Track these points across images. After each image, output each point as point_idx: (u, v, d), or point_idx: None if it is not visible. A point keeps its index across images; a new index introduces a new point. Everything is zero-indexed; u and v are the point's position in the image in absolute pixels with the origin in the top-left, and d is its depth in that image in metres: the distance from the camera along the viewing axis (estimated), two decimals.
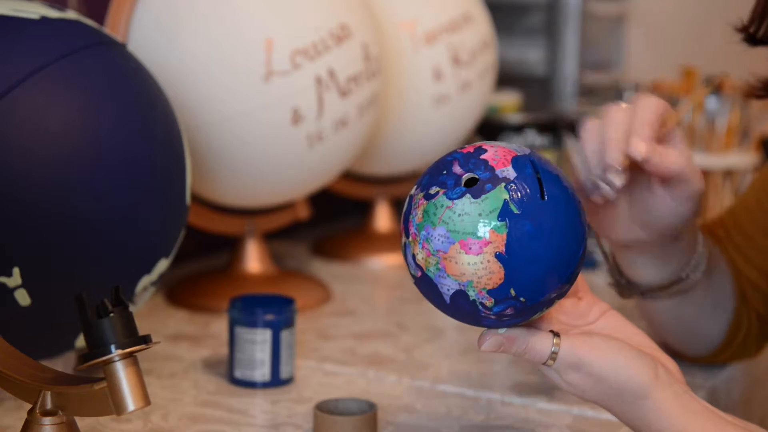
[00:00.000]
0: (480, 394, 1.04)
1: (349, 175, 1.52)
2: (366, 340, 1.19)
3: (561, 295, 0.77)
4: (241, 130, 1.18)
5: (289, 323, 1.05)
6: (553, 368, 0.78)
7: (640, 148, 0.82)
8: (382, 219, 1.58)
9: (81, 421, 0.81)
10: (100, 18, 1.17)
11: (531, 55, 1.94)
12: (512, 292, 0.75)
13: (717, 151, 1.72)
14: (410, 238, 0.77)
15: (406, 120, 1.44)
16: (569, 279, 0.76)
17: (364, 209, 1.60)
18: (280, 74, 1.16)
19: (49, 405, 0.77)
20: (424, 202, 0.76)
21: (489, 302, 0.75)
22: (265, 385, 1.04)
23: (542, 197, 0.75)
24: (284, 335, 1.05)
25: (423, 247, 0.76)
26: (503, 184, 0.75)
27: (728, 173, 1.72)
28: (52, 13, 0.94)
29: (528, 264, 0.74)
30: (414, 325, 1.24)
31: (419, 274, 0.77)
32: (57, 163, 0.88)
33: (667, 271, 0.98)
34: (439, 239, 0.75)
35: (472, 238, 0.74)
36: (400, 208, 1.72)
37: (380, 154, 1.47)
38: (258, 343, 1.04)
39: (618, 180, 0.82)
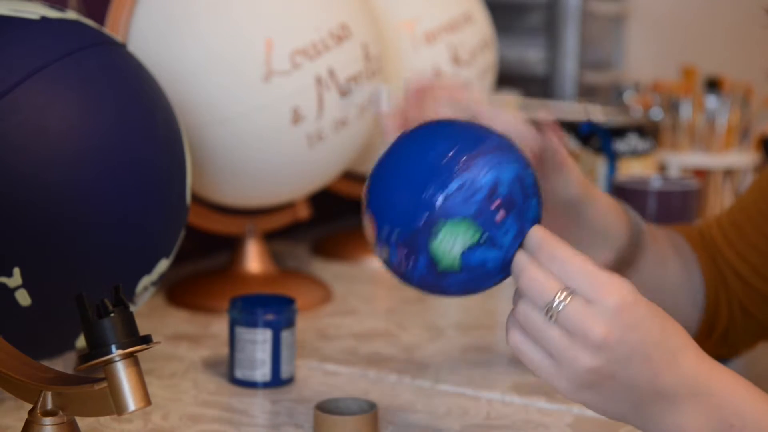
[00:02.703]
0: (480, 394, 1.04)
1: (349, 175, 1.52)
2: (366, 340, 1.19)
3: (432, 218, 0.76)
4: (241, 130, 1.18)
5: (289, 323, 1.05)
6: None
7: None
8: None
9: (81, 421, 0.81)
10: (100, 18, 1.17)
11: (531, 55, 1.94)
12: (387, 231, 0.78)
13: (717, 150, 1.72)
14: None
15: None
16: (431, 200, 0.76)
17: None
18: (280, 74, 1.16)
19: (49, 405, 0.77)
20: None
21: (385, 253, 0.78)
22: (266, 385, 1.04)
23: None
24: (285, 335, 1.05)
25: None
26: None
27: (728, 173, 1.72)
28: (52, 14, 0.94)
29: (382, 195, 0.79)
30: (414, 325, 1.24)
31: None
32: (57, 164, 0.88)
33: (597, 252, 0.97)
34: None
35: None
36: None
37: (380, 154, 1.47)
38: (258, 343, 1.04)
39: None
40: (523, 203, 0.77)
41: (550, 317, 0.74)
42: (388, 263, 0.80)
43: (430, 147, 0.78)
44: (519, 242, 0.77)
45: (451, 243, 0.76)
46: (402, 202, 0.77)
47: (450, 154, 0.77)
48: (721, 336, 1.08)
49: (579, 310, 0.74)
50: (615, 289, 0.74)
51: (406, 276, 0.79)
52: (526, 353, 0.76)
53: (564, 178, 0.93)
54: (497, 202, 0.76)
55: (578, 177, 0.94)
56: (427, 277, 0.78)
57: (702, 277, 1.07)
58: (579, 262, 0.75)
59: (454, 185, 0.76)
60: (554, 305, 0.74)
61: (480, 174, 0.76)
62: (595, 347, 0.73)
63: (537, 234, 0.77)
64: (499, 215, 0.76)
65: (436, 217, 0.76)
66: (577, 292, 0.74)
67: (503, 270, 0.78)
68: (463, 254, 0.76)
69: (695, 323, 1.07)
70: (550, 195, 0.91)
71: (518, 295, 0.76)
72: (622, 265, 0.99)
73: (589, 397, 0.76)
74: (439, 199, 0.76)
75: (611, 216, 0.98)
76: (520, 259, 0.77)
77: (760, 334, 1.10)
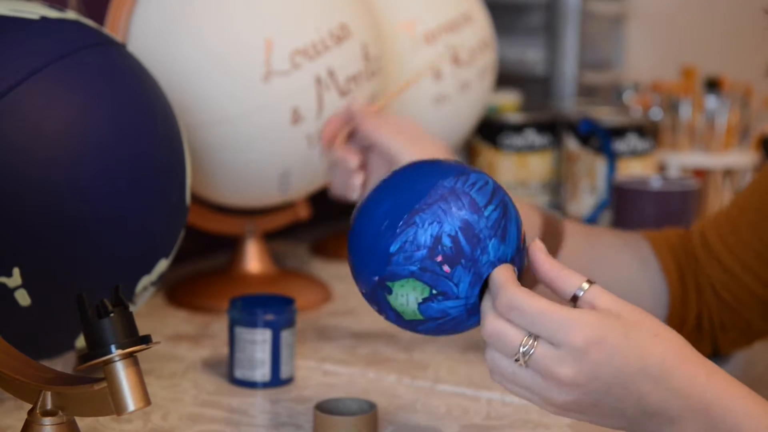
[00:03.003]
0: (480, 394, 1.04)
1: None
2: (366, 340, 1.19)
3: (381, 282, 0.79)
4: (241, 130, 1.18)
5: (289, 323, 1.05)
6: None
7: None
8: None
9: (81, 422, 0.81)
10: (100, 18, 1.17)
11: (531, 55, 1.94)
12: (359, 285, 0.81)
13: (717, 150, 1.72)
14: None
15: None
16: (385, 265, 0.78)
17: None
18: (279, 74, 1.16)
19: (49, 405, 0.77)
20: None
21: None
22: (265, 385, 1.04)
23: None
24: (284, 335, 1.05)
25: None
26: None
27: (728, 172, 1.72)
28: (52, 14, 0.94)
29: (351, 249, 0.81)
30: None
31: None
32: (57, 163, 0.88)
33: None
34: None
35: None
36: None
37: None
38: (258, 343, 1.04)
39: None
40: (472, 251, 0.77)
41: (523, 361, 0.75)
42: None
43: (380, 203, 0.80)
44: (478, 288, 0.78)
45: (405, 299, 0.78)
46: (361, 261, 0.80)
47: (394, 213, 0.78)
48: (695, 327, 1.09)
49: (546, 355, 0.74)
50: (578, 330, 0.74)
51: (390, 321, 0.82)
52: (509, 389, 0.77)
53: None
54: (439, 257, 0.77)
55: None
56: (401, 324, 0.81)
57: (664, 275, 1.09)
58: (537, 307, 0.75)
59: (395, 246, 0.78)
60: (522, 353, 0.75)
61: (420, 231, 0.77)
62: (567, 387, 0.75)
63: (495, 281, 0.77)
64: (446, 269, 0.77)
65: (385, 278, 0.78)
66: (542, 336, 0.75)
67: (471, 315, 0.79)
68: (420, 306, 0.78)
69: (662, 317, 1.09)
70: None
71: (486, 344, 0.77)
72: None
73: (578, 417, 0.77)
74: (385, 260, 0.78)
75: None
76: (483, 309, 0.78)
77: (751, 333, 1.10)
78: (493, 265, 0.78)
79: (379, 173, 1.06)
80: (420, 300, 0.78)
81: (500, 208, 0.79)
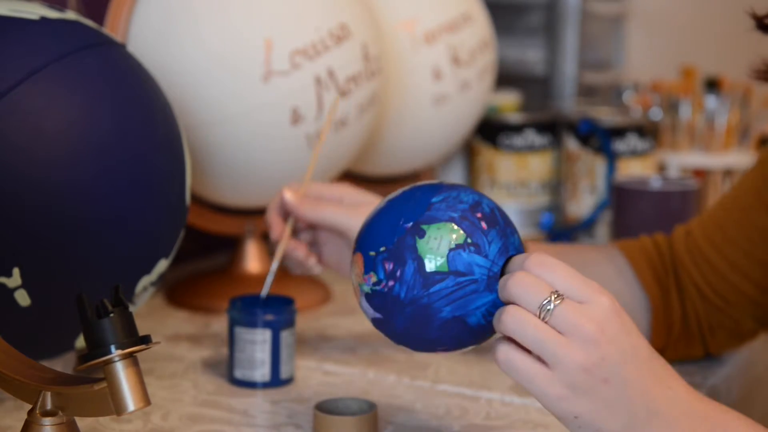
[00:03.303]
0: (480, 394, 1.04)
1: (348, 175, 1.52)
2: (366, 340, 1.19)
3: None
4: (241, 130, 1.18)
5: (289, 323, 1.05)
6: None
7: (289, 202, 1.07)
8: None
9: (81, 422, 0.81)
10: (100, 18, 1.17)
11: (530, 55, 1.94)
12: (374, 253, 0.81)
13: (716, 150, 1.72)
14: None
15: (405, 120, 1.44)
16: None
17: None
18: (279, 74, 1.16)
19: (49, 405, 0.77)
20: None
21: (373, 279, 0.81)
22: (265, 385, 1.04)
23: None
24: (284, 335, 1.05)
25: None
26: None
27: (728, 173, 1.72)
28: (52, 14, 0.94)
29: (368, 232, 0.82)
30: None
31: None
32: (56, 164, 0.88)
33: None
34: None
35: None
36: None
37: (380, 154, 1.47)
38: (258, 343, 1.04)
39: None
40: (505, 226, 0.80)
41: (543, 318, 0.74)
42: (373, 295, 0.80)
43: (411, 194, 0.82)
44: (503, 260, 0.79)
45: (438, 242, 0.78)
46: (387, 226, 0.80)
47: (432, 186, 0.82)
48: (682, 332, 1.09)
49: (571, 309, 0.74)
50: (606, 292, 0.75)
51: (390, 304, 0.79)
52: (515, 362, 0.75)
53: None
54: (479, 214, 0.79)
55: None
56: (414, 287, 0.78)
57: (640, 282, 1.09)
58: (568, 270, 0.76)
59: (438, 197, 0.80)
60: (546, 305, 0.74)
61: (463, 193, 0.80)
62: (588, 342, 0.73)
63: (523, 255, 0.78)
64: (483, 225, 0.79)
65: (422, 221, 0.79)
66: (568, 296, 0.75)
67: (490, 286, 0.78)
68: (450, 253, 0.77)
69: (646, 325, 1.09)
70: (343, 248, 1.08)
71: (507, 302, 0.76)
72: None
73: (583, 406, 0.74)
74: (425, 209, 0.79)
75: None
76: (510, 267, 0.78)
77: (740, 334, 1.10)
78: (518, 250, 0.80)
79: (335, 243, 1.10)
80: (453, 246, 0.78)
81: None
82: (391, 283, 0.78)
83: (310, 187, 1.08)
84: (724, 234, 1.07)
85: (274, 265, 1.05)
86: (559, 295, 0.74)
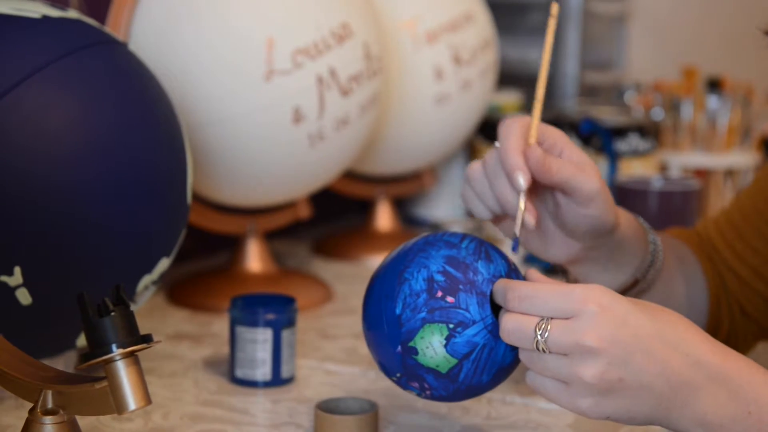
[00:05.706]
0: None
1: (350, 174, 1.52)
2: None
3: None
4: (242, 130, 1.18)
5: (290, 322, 1.05)
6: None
7: (519, 182, 0.87)
8: (383, 218, 1.58)
9: (82, 420, 0.81)
10: (102, 17, 1.17)
11: (532, 55, 1.94)
12: (389, 375, 0.83)
13: (718, 150, 1.72)
14: None
15: (407, 119, 1.44)
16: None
17: (365, 208, 1.60)
18: (281, 73, 1.17)
19: (50, 404, 0.77)
20: None
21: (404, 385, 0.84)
22: (266, 385, 1.04)
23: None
24: (285, 334, 1.05)
25: None
26: None
27: (729, 173, 1.72)
28: (54, 13, 0.94)
29: (367, 338, 0.85)
30: None
31: None
32: (58, 163, 0.88)
33: (621, 276, 0.98)
34: None
35: None
36: (401, 207, 1.72)
37: (381, 153, 1.47)
38: (259, 342, 1.04)
39: (527, 218, 0.88)
40: (465, 276, 0.80)
41: (542, 350, 0.76)
42: (423, 397, 0.84)
43: (371, 292, 0.83)
44: (488, 306, 0.80)
45: (431, 349, 0.80)
46: (383, 350, 0.82)
47: (387, 286, 0.82)
48: (724, 341, 1.08)
49: (562, 331, 0.75)
50: (588, 298, 0.75)
51: (440, 399, 0.83)
52: (541, 387, 0.78)
53: (591, 210, 0.92)
54: (439, 293, 0.80)
55: (610, 204, 0.93)
56: (444, 388, 0.81)
57: (705, 284, 1.07)
58: (544, 288, 0.77)
59: (398, 306, 0.80)
60: (540, 339, 0.76)
61: (412, 282, 0.80)
62: (590, 354, 0.75)
63: (498, 288, 0.79)
64: (449, 300, 0.79)
65: (405, 341, 0.80)
66: (555, 317, 0.76)
67: (497, 335, 0.80)
68: (447, 349, 0.79)
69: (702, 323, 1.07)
70: (578, 219, 0.92)
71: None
72: (640, 290, 1.00)
73: (611, 406, 0.76)
74: (397, 325, 0.80)
75: (635, 239, 0.98)
76: (500, 317, 0.79)
77: (758, 335, 1.10)
78: (491, 282, 0.80)
79: (553, 202, 0.95)
80: (443, 342, 0.79)
81: (475, 240, 0.83)
82: (428, 392, 0.82)
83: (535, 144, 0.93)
84: (744, 241, 1.06)
85: (522, 202, 0.88)
86: (546, 322, 0.76)
